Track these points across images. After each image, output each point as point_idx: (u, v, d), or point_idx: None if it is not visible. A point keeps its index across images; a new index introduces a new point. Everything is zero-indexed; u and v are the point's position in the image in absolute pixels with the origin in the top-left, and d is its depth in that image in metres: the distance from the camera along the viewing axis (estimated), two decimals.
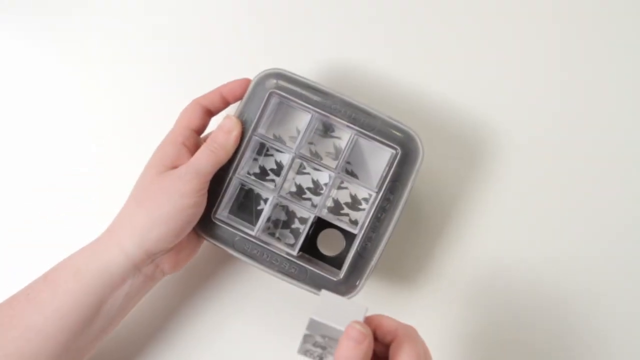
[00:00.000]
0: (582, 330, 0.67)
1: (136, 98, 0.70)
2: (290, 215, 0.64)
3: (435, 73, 0.69)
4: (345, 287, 0.59)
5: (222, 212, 0.61)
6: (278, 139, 0.63)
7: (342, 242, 0.63)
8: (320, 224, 0.63)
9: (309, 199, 0.63)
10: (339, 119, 0.59)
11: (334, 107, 0.59)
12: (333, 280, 0.59)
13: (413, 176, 0.58)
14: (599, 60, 0.69)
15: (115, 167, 0.69)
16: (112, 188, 0.66)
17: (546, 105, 0.69)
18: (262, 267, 0.60)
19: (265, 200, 0.63)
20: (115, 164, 0.69)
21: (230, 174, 0.60)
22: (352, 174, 0.63)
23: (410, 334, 0.50)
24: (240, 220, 0.62)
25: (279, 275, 0.60)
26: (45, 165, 0.70)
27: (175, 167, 0.58)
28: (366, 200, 0.63)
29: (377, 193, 0.59)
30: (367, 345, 0.47)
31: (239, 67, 0.67)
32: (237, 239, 0.60)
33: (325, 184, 0.62)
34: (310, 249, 0.63)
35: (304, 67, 0.68)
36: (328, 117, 0.59)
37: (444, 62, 0.69)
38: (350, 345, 0.47)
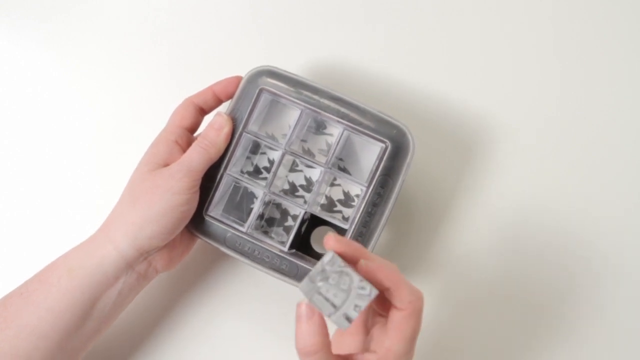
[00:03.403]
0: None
1: (129, 97, 0.71)
2: (284, 213, 0.64)
3: (426, 68, 0.69)
4: None
5: (215, 210, 0.61)
6: (270, 136, 0.63)
7: None
8: (315, 222, 0.63)
9: (302, 197, 0.63)
10: (329, 114, 0.59)
11: (323, 103, 0.59)
12: None
13: (404, 170, 0.58)
14: (593, 53, 0.69)
15: (108, 165, 0.70)
16: (105, 186, 0.66)
17: (540, 98, 0.68)
18: (253, 263, 0.60)
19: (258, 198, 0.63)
20: (108, 162, 0.70)
21: (222, 171, 0.60)
22: (344, 170, 0.62)
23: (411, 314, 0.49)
24: (234, 218, 0.62)
25: (270, 271, 0.59)
26: (39, 164, 0.70)
27: (167, 165, 0.58)
28: (359, 197, 0.62)
29: (367, 187, 0.58)
30: None
31: (232, 65, 0.68)
32: (228, 235, 0.60)
33: (317, 180, 0.62)
34: (304, 247, 0.63)
35: (296, 64, 0.68)
36: (318, 112, 0.59)
37: (435, 57, 0.69)
38: None
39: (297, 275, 0.59)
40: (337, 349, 0.52)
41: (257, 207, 0.60)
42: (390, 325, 0.49)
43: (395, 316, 0.49)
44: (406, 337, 0.48)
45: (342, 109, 0.59)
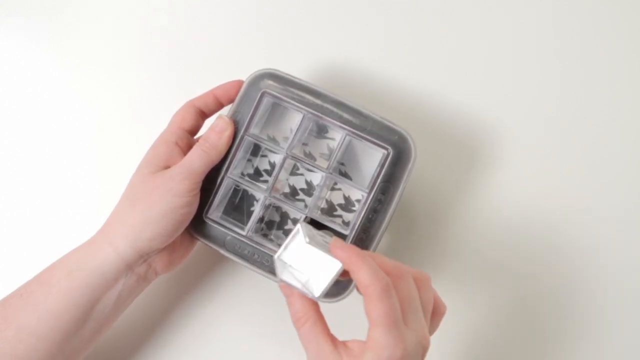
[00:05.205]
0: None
1: (129, 97, 0.70)
2: (283, 216, 0.63)
3: (427, 68, 0.69)
4: (336, 289, 0.58)
5: (215, 212, 0.61)
6: (272, 139, 0.63)
7: None
8: (315, 226, 0.62)
9: (302, 200, 0.63)
10: (330, 119, 0.58)
11: (325, 107, 0.59)
12: None
13: (405, 177, 0.58)
14: (593, 53, 0.68)
15: (108, 165, 0.70)
16: (106, 186, 0.66)
17: (540, 98, 0.68)
18: (252, 267, 0.60)
19: (259, 201, 0.63)
20: (108, 162, 0.70)
21: (222, 174, 0.60)
22: (345, 175, 0.62)
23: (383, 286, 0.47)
24: (233, 221, 0.62)
25: (270, 275, 0.59)
26: (39, 164, 0.70)
27: (167, 167, 0.58)
28: (360, 202, 0.62)
29: (368, 193, 0.58)
30: None
31: (233, 65, 0.68)
32: (228, 238, 0.60)
33: (318, 185, 0.62)
34: None
35: (298, 68, 0.68)
36: (320, 117, 0.59)
37: (438, 62, 0.69)
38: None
39: None
40: None
41: (257, 211, 0.60)
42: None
43: (363, 302, 0.48)
44: (379, 324, 0.46)
45: (344, 114, 0.58)
